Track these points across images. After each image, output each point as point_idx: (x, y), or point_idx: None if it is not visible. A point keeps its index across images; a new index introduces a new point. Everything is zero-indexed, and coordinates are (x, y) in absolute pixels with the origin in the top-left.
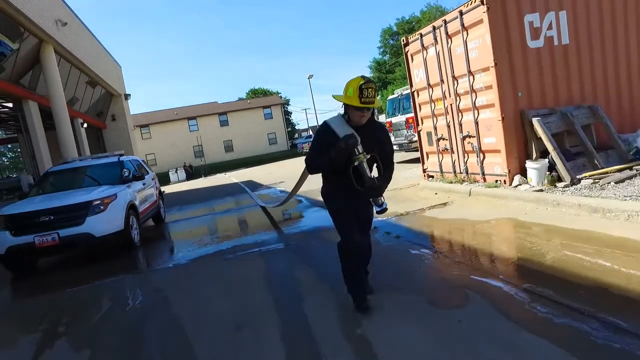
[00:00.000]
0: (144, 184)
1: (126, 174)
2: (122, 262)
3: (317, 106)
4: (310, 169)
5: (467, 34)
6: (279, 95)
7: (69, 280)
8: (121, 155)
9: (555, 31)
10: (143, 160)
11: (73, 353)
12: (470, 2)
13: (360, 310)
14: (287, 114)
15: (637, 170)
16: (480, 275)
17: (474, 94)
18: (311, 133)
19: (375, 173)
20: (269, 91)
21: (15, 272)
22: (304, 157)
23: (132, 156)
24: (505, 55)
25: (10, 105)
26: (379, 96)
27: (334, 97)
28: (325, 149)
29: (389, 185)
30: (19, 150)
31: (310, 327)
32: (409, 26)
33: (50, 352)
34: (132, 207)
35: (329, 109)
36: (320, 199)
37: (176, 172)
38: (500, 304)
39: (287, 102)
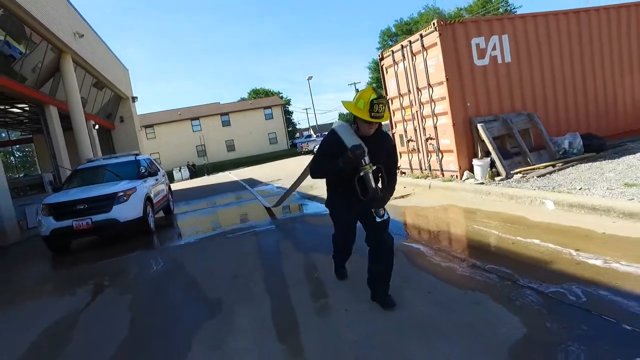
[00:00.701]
0: (156, 180)
1: (142, 170)
2: (142, 243)
3: (319, 105)
4: (313, 174)
5: (427, 54)
6: (280, 95)
7: (100, 256)
8: (137, 154)
9: (498, 51)
10: (154, 159)
11: (119, 296)
12: (428, 28)
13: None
14: (288, 113)
15: (557, 167)
16: (409, 242)
17: (433, 103)
18: (311, 132)
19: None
20: (270, 91)
21: (54, 251)
22: (303, 156)
23: (145, 155)
24: (456, 71)
25: (27, 107)
26: None
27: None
28: (330, 156)
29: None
30: (26, 149)
31: (284, 275)
32: (407, 27)
33: (101, 296)
34: (148, 199)
35: (329, 109)
36: (311, 192)
37: (180, 170)
38: (412, 257)
39: (287, 102)
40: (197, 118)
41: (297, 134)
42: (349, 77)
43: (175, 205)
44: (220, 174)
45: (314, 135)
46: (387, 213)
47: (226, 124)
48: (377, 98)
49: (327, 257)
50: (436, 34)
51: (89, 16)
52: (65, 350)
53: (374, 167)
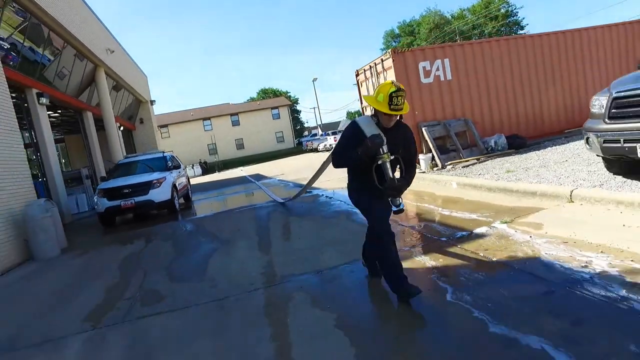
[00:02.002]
0: (179, 172)
1: (169, 164)
2: (171, 217)
3: (327, 103)
4: (335, 163)
5: (386, 73)
6: (288, 94)
7: (141, 226)
8: (163, 152)
9: (441, 72)
10: (176, 156)
11: (163, 242)
12: (386, 54)
13: (405, 298)
14: (296, 112)
15: (481, 160)
16: (350, 207)
17: None
18: (317, 131)
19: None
20: (278, 90)
21: (105, 225)
22: (308, 154)
23: (169, 153)
24: (406, 88)
25: (59, 111)
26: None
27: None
28: (352, 147)
29: None
30: None
31: (268, 228)
32: (410, 29)
33: (151, 244)
34: (174, 186)
35: (336, 107)
36: (304, 182)
37: (192, 167)
38: (349, 215)
39: (295, 102)
40: (208, 118)
41: (306, 132)
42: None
43: (192, 194)
44: (231, 170)
45: (319, 134)
46: (403, 203)
47: (235, 123)
48: (395, 91)
49: (298, 218)
50: (391, 59)
51: (103, 15)
52: (141, 263)
53: (392, 157)
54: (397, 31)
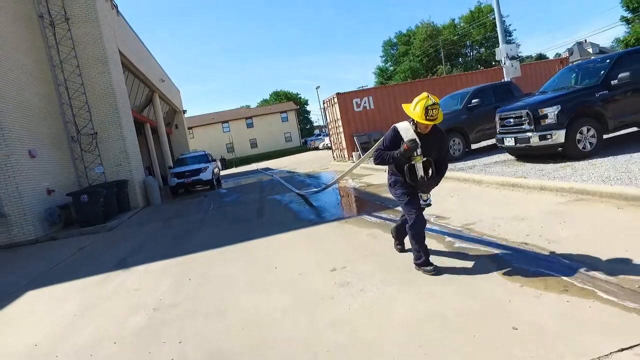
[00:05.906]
0: (214, 163)
1: (209, 158)
2: (211, 190)
3: None
4: (377, 161)
5: (336, 105)
6: (298, 97)
7: (195, 194)
8: (205, 151)
9: (367, 104)
10: (210, 153)
11: (214, 196)
12: (334, 95)
13: (430, 270)
14: (306, 112)
15: None
16: (306, 179)
17: (340, 127)
18: (324, 132)
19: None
20: (289, 93)
21: (174, 194)
22: (310, 152)
23: (207, 151)
24: (345, 114)
25: None
26: None
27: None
28: (391, 148)
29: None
30: None
31: (265, 188)
32: (406, 38)
33: (207, 197)
34: (213, 171)
35: None
36: (297, 171)
37: None
38: (304, 182)
39: (305, 103)
40: (227, 121)
41: (316, 130)
42: (364, 77)
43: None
44: (246, 165)
45: (321, 135)
46: (430, 199)
47: (250, 125)
48: (431, 105)
49: (279, 184)
50: (336, 99)
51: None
52: (208, 201)
53: (424, 159)
54: (394, 40)
